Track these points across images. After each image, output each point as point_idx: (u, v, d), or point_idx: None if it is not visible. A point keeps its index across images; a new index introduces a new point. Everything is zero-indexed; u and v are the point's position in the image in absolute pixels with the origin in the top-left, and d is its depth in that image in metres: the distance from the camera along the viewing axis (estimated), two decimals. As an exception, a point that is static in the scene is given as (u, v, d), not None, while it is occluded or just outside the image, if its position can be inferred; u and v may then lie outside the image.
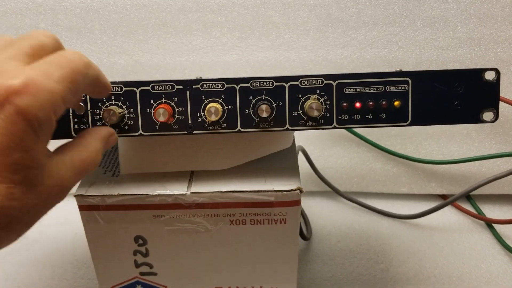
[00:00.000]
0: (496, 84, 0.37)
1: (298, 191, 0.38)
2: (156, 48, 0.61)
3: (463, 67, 0.58)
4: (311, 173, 0.59)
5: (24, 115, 0.23)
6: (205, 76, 0.61)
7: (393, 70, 0.37)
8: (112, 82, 0.36)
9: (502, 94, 0.56)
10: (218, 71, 0.61)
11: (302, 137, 0.61)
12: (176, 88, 0.36)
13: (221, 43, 0.61)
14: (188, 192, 0.37)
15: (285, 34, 0.60)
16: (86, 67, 0.27)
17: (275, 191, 0.38)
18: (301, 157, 0.57)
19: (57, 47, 0.28)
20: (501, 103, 0.56)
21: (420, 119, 0.37)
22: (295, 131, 0.40)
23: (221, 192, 0.38)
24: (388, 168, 0.61)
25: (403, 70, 0.38)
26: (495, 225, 0.56)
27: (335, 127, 0.37)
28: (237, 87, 0.36)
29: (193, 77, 0.37)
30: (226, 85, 0.36)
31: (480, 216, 0.57)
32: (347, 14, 0.59)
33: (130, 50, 0.61)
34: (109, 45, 0.61)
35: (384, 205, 0.60)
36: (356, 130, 0.59)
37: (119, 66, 0.61)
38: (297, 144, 0.56)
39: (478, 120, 0.37)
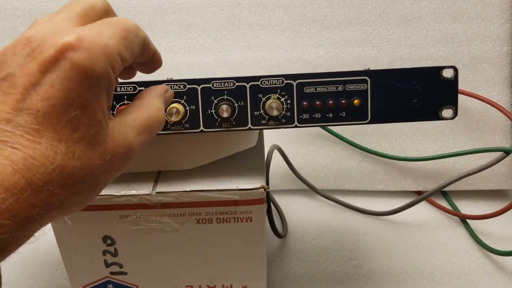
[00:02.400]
0: (454, 81, 0.37)
1: (262, 189, 0.38)
2: (133, 50, 0.61)
3: (437, 65, 0.59)
4: (288, 172, 0.60)
5: (79, 68, 0.23)
6: (182, 77, 0.62)
7: (364, 68, 0.38)
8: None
9: (476, 91, 0.57)
10: (196, 71, 0.62)
11: (279, 136, 0.61)
12: (138, 90, 0.37)
13: (197, 44, 0.61)
14: (153, 192, 0.38)
15: (261, 34, 0.61)
16: (136, 27, 0.27)
17: (239, 189, 0.38)
18: (277, 156, 0.58)
19: (107, 9, 0.28)
20: (474, 100, 0.57)
21: (380, 117, 0.37)
22: (269, 130, 0.41)
23: (186, 191, 0.38)
24: (364, 166, 0.61)
25: (371, 69, 0.38)
26: (469, 221, 0.56)
27: (296, 126, 0.38)
28: (199, 88, 0.37)
29: (170, 77, 0.37)
30: (187, 86, 0.37)
31: (454, 212, 0.58)
32: (321, 14, 0.60)
33: (107, 52, 0.61)
34: (86, 48, 0.62)
35: (360, 202, 0.60)
36: (332, 128, 0.60)
37: (97, 68, 0.62)
38: (273, 142, 0.57)
39: (438, 117, 0.38)
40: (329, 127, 0.60)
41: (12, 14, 0.62)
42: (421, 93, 0.37)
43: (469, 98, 0.57)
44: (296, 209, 0.60)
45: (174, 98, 0.37)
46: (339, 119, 0.37)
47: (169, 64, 0.61)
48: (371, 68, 0.38)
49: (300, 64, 0.61)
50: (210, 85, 0.37)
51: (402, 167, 0.61)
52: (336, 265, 0.51)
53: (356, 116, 0.37)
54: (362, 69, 0.37)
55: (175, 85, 0.37)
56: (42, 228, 0.23)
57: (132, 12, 0.61)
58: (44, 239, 0.55)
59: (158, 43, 0.61)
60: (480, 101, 0.57)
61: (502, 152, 0.54)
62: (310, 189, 0.61)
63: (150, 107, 0.29)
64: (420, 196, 0.57)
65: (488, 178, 0.59)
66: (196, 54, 0.61)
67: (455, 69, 0.37)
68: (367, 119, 0.38)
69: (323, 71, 0.61)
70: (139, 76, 0.61)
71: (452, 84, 0.37)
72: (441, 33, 0.59)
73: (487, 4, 0.58)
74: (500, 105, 0.55)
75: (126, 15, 0.61)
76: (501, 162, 0.54)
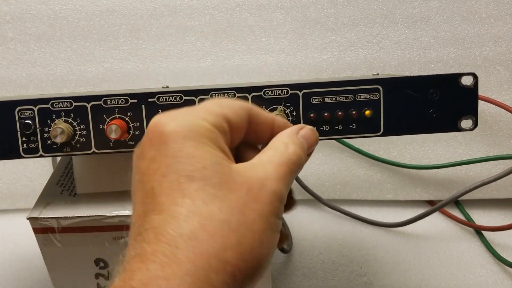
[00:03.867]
0: (474, 89, 0.34)
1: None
2: (128, 55, 0.59)
3: (447, 68, 0.56)
4: (292, 182, 0.57)
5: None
6: (179, 83, 0.59)
7: (372, 73, 0.35)
8: (61, 98, 0.34)
9: (489, 95, 0.54)
10: (193, 77, 0.59)
11: (282, 144, 0.58)
12: (130, 102, 0.34)
13: (195, 48, 0.58)
14: (148, 212, 0.35)
15: (262, 37, 0.58)
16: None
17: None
18: (281, 165, 0.55)
19: None
20: (488, 104, 0.54)
21: (393, 129, 0.35)
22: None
23: (184, 211, 0.35)
24: (372, 174, 0.58)
25: (380, 74, 0.35)
26: (484, 232, 0.53)
27: (303, 140, 0.35)
28: (196, 99, 0.34)
29: (167, 84, 0.34)
30: (184, 98, 0.34)
31: (469, 222, 0.55)
32: (325, 15, 0.57)
33: (101, 57, 0.59)
34: (79, 53, 0.59)
35: (368, 212, 0.57)
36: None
37: (90, 74, 0.59)
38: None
39: (456, 128, 0.35)
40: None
41: (1, 19, 0.59)
42: (438, 103, 0.34)
43: (483, 102, 0.53)
44: (301, 221, 0.57)
45: (166, 110, 0.34)
46: (349, 132, 0.35)
47: (165, 69, 0.59)
48: (379, 72, 0.35)
49: (303, 68, 0.58)
50: (209, 96, 0.34)
51: (412, 175, 0.58)
52: (345, 282, 0.49)
53: (367, 128, 0.34)
54: (369, 73, 0.35)
55: (170, 97, 0.34)
56: None
57: (126, 16, 0.58)
58: (35, 257, 0.52)
59: (154, 48, 0.58)
60: (494, 105, 0.53)
61: (518, 160, 0.51)
62: (316, 199, 0.58)
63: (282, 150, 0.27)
64: (433, 206, 0.54)
65: (503, 187, 0.56)
66: (193, 59, 0.58)
67: (475, 76, 0.34)
68: (379, 131, 0.35)
69: (328, 75, 0.58)
70: (150, 82, 0.59)
71: (472, 92, 0.34)
72: (451, 34, 0.56)
73: (500, 3, 0.55)
74: (515, 110, 0.52)
75: (120, 19, 0.58)
76: (517, 169, 0.51)
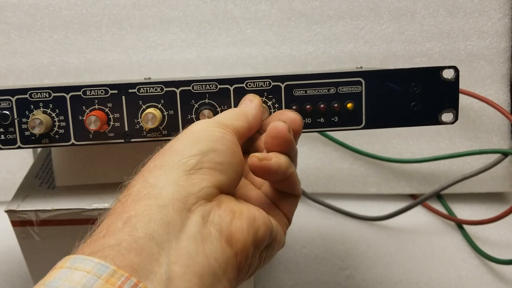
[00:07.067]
0: (455, 83, 0.34)
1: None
2: (110, 46, 0.58)
3: (432, 62, 0.56)
4: (276, 175, 0.56)
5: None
6: (163, 75, 0.58)
7: (357, 66, 0.35)
8: (40, 88, 0.33)
9: (472, 89, 0.55)
10: (177, 69, 0.58)
11: (267, 137, 0.58)
12: (110, 93, 0.33)
13: (179, 40, 0.58)
14: (128, 205, 0.35)
15: (247, 29, 0.57)
16: None
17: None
18: (265, 158, 0.54)
19: None
20: (471, 99, 0.54)
21: (375, 122, 0.35)
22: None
23: (165, 204, 0.35)
24: (356, 168, 0.58)
25: (364, 67, 0.35)
26: (465, 226, 0.54)
27: (284, 132, 0.34)
28: (178, 91, 0.34)
29: (149, 75, 0.34)
30: (165, 89, 0.34)
31: (450, 216, 0.55)
32: (311, 7, 0.56)
33: (83, 48, 0.58)
34: (60, 43, 0.58)
35: (352, 206, 0.57)
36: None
37: (72, 65, 0.58)
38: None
39: (437, 121, 0.35)
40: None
41: None
42: (419, 96, 0.34)
43: (466, 96, 0.54)
44: (285, 215, 0.56)
45: (150, 102, 0.33)
46: (331, 124, 0.34)
47: (148, 61, 0.58)
48: (364, 66, 0.35)
49: (288, 61, 0.58)
50: (190, 87, 0.34)
51: (395, 169, 0.58)
52: (327, 275, 0.49)
53: (349, 121, 0.34)
54: (354, 66, 0.34)
55: (151, 88, 0.33)
56: None
57: (109, 5, 0.57)
58: (15, 251, 0.52)
59: (137, 39, 0.58)
60: (477, 100, 0.54)
61: (499, 154, 0.52)
62: (299, 193, 0.58)
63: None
64: (415, 200, 0.54)
65: (484, 181, 0.57)
66: (177, 50, 0.58)
67: (456, 70, 0.34)
68: (361, 124, 0.35)
69: (313, 68, 0.58)
70: (133, 74, 0.58)
71: (453, 85, 0.34)
72: (436, 28, 0.56)
73: (485, -2, 0.55)
74: (498, 104, 0.52)
75: (102, 9, 0.57)
76: (498, 164, 0.51)
